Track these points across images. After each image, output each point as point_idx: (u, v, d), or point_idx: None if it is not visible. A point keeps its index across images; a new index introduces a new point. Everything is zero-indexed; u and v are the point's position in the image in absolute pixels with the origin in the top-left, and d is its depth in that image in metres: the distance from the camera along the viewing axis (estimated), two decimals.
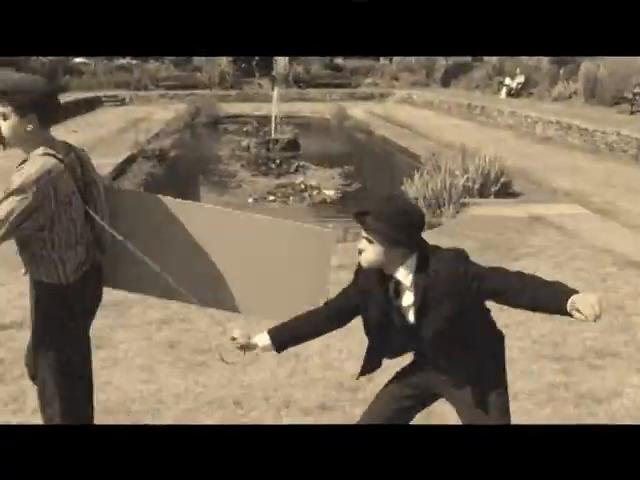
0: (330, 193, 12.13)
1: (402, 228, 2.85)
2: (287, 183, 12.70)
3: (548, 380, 4.86)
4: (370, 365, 3.34)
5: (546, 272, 7.07)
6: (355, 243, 8.35)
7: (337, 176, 13.68)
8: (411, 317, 3.00)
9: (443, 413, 4.38)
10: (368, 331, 3.24)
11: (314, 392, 4.68)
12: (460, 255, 2.96)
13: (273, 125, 17.69)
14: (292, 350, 5.24)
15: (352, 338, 5.50)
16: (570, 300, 2.82)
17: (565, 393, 4.67)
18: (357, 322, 5.84)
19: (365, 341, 5.54)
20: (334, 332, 5.60)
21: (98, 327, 5.66)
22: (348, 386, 4.74)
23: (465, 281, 2.88)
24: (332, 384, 4.78)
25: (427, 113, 24.20)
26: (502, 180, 10.75)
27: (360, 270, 3.13)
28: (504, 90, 26.70)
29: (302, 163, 14.68)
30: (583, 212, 9.81)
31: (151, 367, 5.05)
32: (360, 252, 2.98)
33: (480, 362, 3.11)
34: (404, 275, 2.94)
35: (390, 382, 3.38)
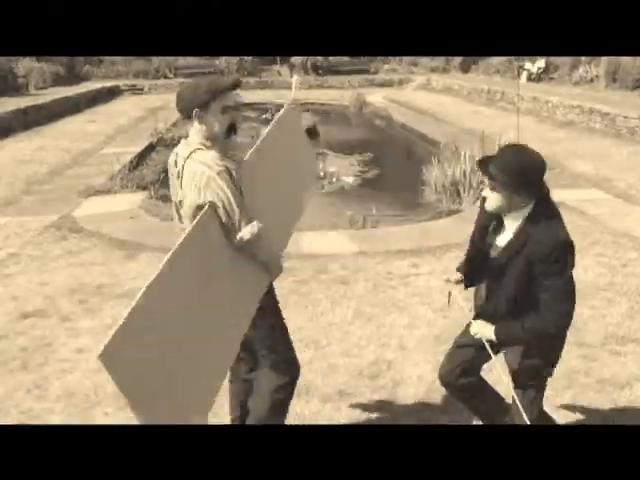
0: (349, 180, 12.11)
1: (522, 177, 3.06)
2: None
3: (569, 366, 4.83)
4: (468, 279, 3.52)
5: None
6: (373, 230, 8.34)
7: (356, 163, 13.64)
8: (495, 253, 3.26)
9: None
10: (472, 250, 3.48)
11: (333, 379, 4.69)
12: (562, 243, 3.10)
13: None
14: (312, 337, 5.29)
15: (371, 326, 5.52)
16: None
17: (586, 379, 4.65)
18: (376, 310, 5.86)
19: (383, 329, 5.56)
20: (353, 320, 5.64)
21: (118, 315, 5.71)
22: (367, 373, 4.74)
23: (540, 265, 3.08)
24: (351, 371, 4.78)
25: (446, 99, 24.05)
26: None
27: (481, 214, 3.38)
28: (524, 75, 26.46)
29: (321, 150, 14.64)
30: (604, 197, 9.72)
31: None
32: (484, 199, 3.25)
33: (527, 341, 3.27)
34: (511, 220, 3.18)
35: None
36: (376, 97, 24.59)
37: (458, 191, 9.88)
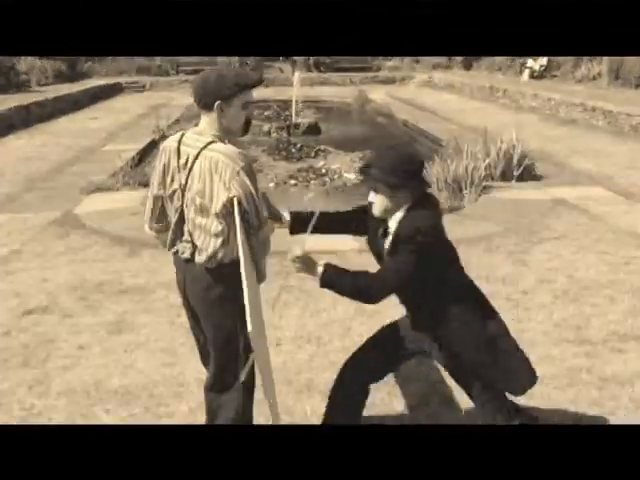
0: (351, 177, 12.09)
1: (400, 174, 3.10)
2: (308, 167, 12.64)
3: (570, 364, 4.83)
4: None
5: (569, 255, 7.03)
6: None
7: (358, 160, 13.61)
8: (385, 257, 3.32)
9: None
10: None
11: (335, 375, 4.67)
12: (415, 230, 3.12)
13: (294, 109, 17.64)
14: (313, 333, 5.28)
15: (373, 322, 5.51)
16: None
17: (588, 377, 4.65)
18: (378, 306, 5.85)
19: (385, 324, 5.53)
20: (355, 316, 5.63)
21: (120, 312, 5.74)
22: None
23: (395, 243, 3.18)
24: None
25: (449, 96, 24.03)
26: (525, 163, 10.66)
27: (369, 221, 3.41)
28: (527, 72, 26.42)
29: (323, 147, 14.60)
30: (607, 195, 9.71)
31: (173, 350, 5.08)
32: (370, 204, 3.25)
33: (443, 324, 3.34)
34: (393, 222, 3.22)
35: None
36: (378, 94, 24.58)
37: (460, 188, 9.85)
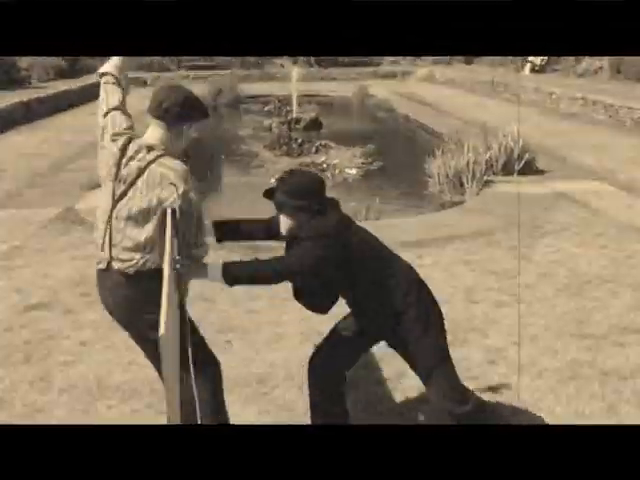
0: (352, 172, 12.09)
1: (302, 197, 3.29)
2: (309, 162, 12.65)
3: (572, 357, 4.83)
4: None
5: (570, 249, 7.02)
6: (376, 222, 8.32)
7: (359, 155, 13.61)
8: None
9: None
10: None
11: None
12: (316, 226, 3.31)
13: (294, 104, 17.64)
14: (315, 329, 5.28)
15: None
16: None
17: (589, 370, 4.64)
18: None
19: None
20: None
21: None
22: (372, 364, 4.73)
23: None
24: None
25: (449, 91, 24.00)
26: (526, 157, 10.65)
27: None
28: (528, 66, 26.37)
29: (324, 142, 14.61)
30: (608, 189, 9.70)
31: None
32: (281, 225, 3.42)
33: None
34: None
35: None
36: (379, 89, 24.55)
37: (461, 182, 9.85)
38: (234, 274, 3.30)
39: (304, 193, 3.31)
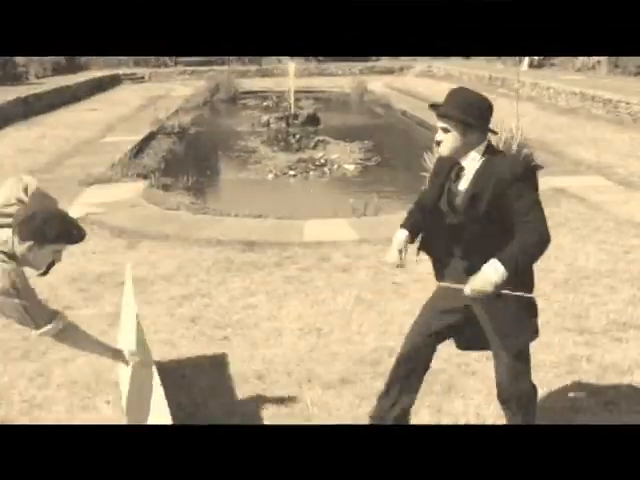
0: (350, 167, 12.08)
1: (473, 113, 3.16)
2: (307, 158, 12.64)
3: (570, 352, 4.83)
4: (424, 247, 3.54)
5: (569, 244, 7.02)
6: (374, 217, 8.30)
7: (357, 150, 13.61)
8: (459, 201, 3.26)
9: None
10: (424, 216, 3.47)
11: (335, 366, 4.69)
12: (523, 171, 3.17)
13: (292, 100, 17.62)
14: (313, 324, 5.29)
15: (373, 313, 5.52)
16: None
17: (587, 365, 4.65)
18: (377, 297, 5.86)
19: (385, 316, 5.56)
20: (355, 307, 5.63)
21: (120, 303, 5.72)
22: (369, 360, 4.74)
23: (507, 193, 3.10)
24: (353, 358, 4.78)
25: (447, 86, 23.87)
26: (524, 152, 10.64)
27: (434, 166, 3.48)
28: (526, 61, 26.35)
29: (322, 138, 14.60)
30: (606, 184, 9.70)
31: (173, 342, 5.08)
32: (438, 144, 3.27)
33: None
34: (470, 161, 3.23)
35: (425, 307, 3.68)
36: (377, 84, 24.54)
37: None
38: (514, 263, 3.08)
39: (476, 110, 3.20)
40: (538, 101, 18.88)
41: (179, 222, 8.10)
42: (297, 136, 14.50)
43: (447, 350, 4.86)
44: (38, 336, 3.17)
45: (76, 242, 3.15)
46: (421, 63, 30.14)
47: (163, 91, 23.34)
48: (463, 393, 4.32)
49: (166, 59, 30.86)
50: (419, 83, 24.88)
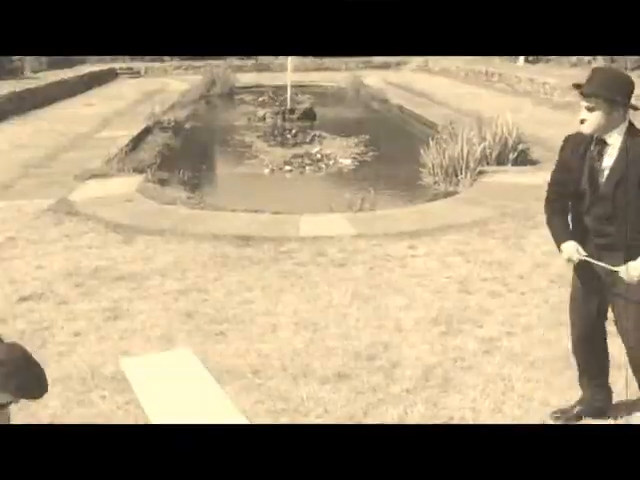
0: (346, 162, 12.08)
1: (618, 90, 3.25)
2: (303, 153, 12.64)
3: (566, 347, 4.81)
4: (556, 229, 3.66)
5: None
6: (371, 212, 8.26)
7: (353, 145, 13.61)
8: (603, 179, 3.34)
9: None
10: (556, 194, 3.64)
11: (331, 361, 4.69)
12: None
13: (289, 95, 17.59)
14: (309, 319, 5.29)
15: (369, 307, 5.52)
16: None
17: None
18: (373, 292, 5.86)
19: (380, 311, 5.56)
20: (351, 302, 5.63)
21: (115, 298, 5.73)
22: (365, 355, 4.74)
23: None
24: (349, 353, 4.78)
25: (444, 81, 23.97)
26: (520, 148, 10.64)
27: (564, 147, 3.58)
28: (522, 56, 26.34)
29: (318, 133, 14.59)
30: None
31: (169, 337, 5.08)
32: (582, 121, 3.36)
33: None
34: (615, 137, 3.32)
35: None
36: (373, 79, 24.51)
37: (455, 172, 9.85)
38: None
39: (622, 87, 3.29)
40: (534, 96, 18.88)
41: (175, 217, 8.09)
42: (293, 131, 14.49)
43: (442, 344, 4.88)
44: None
45: (33, 398, 2.86)
46: (417, 58, 30.09)
47: (159, 85, 23.29)
48: (459, 388, 4.32)
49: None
50: (415, 78, 24.86)
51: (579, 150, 3.44)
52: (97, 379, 4.50)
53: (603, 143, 3.34)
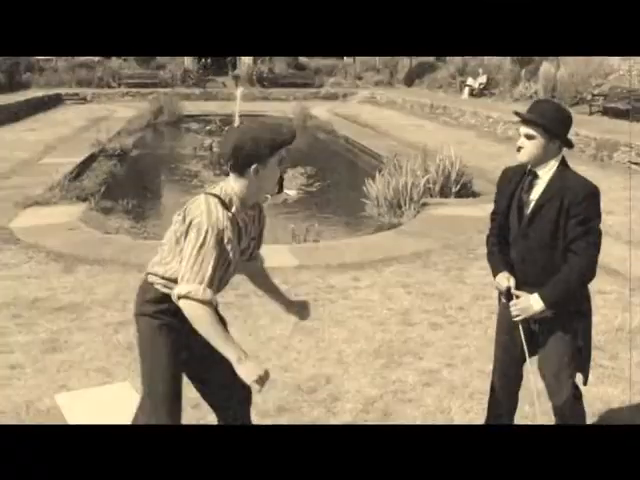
0: (292, 193, 12.12)
1: (558, 122, 3.29)
2: None
3: None
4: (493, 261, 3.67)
5: None
6: (314, 244, 8.26)
7: (299, 176, 13.67)
8: (528, 210, 3.38)
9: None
10: (495, 225, 3.65)
11: (272, 394, 4.67)
12: (593, 193, 3.28)
13: (236, 124, 17.60)
14: (251, 352, 5.24)
15: (311, 340, 5.53)
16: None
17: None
18: (315, 324, 5.86)
19: (323, 343, 5.56)
20: (293, 334, 5.62)
21: (55, 330, 5.63)
22: (306, 388, 4.74)
23: (573, 209, 3.23)
24: (290, 386, 4.77)
25: (390, 113, 24.30)
26: (462, 180, 10.84)
27: (501, 179, 3.61)
28: (466, 90, 26.92)
29: None
30: None
31: (108, 370, 5.01)
32: (519, 149, 3.39)
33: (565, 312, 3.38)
34: (545, 171, 3.35)
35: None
36: (320, 110, 24.72)
37: (399, 204, 9.96)
38: (554, 299, 3.32)
39: (562, 119, 3.33)
40: (478, 129, 19.27)
41: (118, 246, 8.00)
42: None
43: (383, 376, 4.91)
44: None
45: (292, 140, 3.05)
46: (364, 90, 30.52)
47: (105, 112, 23.11)
48: (399, 421, 4.34)
49: (109, 80, 30.63)
50: (362, 109, 25.15)
51: (512, 182, 3.50)
52: (32, 413, 4.40)
53: (535, 175, 3.39)
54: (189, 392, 3.41)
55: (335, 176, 14.41)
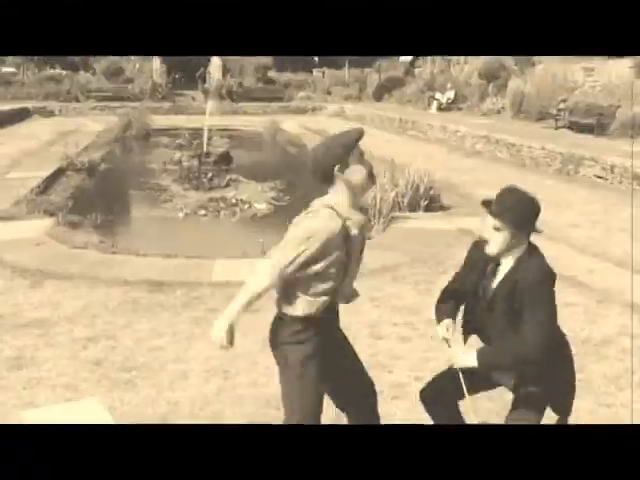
0: (261, 207, 12.12)
1: (525, 215, 3.28)
2: (219, 197, 12.61)
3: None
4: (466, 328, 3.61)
5: None
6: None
7: (269, 190, 13.67)
8: (488, 295, 3.36)
9: None
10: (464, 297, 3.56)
11: (241, 409, 4.66)
12: (543, 279, 3.26)
13: (205, 138, 17.59)
14: (220, 367, 5.25)
15: None
16: None
17: (489, 404, 4.74)
18: None
19: None
20: (262, 350, 5.61)
21: (20, 346, 5.57)
22: (275, 403, 4.73)
23: (524, 295, 3.22)
24: (259, 401, 4.77)
25: (359, 126, 24.39)
26: (431, 194, 10.92)
27: (471, 253, 3.53)
28: (435, 104, 27.17)
29: (234, 177, 14.62)
30: None
31: (76, 386, 4.96)
32: (476, 243, 3.43)
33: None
34: (507, 260, 3.32)
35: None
36: (290, 124, 24.78)
37: (369, 218, 10.00)
38: (487, 365, 3.34)
39: (528, 212, 3.29)
40: (446, 143, 19.43)
41: (86, 261, 7.94)
42: (209, 174, 14.45)
43: None
44: None
45: (360, 137, 3.51)
46: (333, 104, 30.66)
47: (74, 126, 22.95)
48: None
49: (77, 93, 30.41)
50: (331, 123, 25.24)
51: (478, 265, 3.46)
52: None
53: (498, 263, 3.37)
54: None
55: (305, 190, 14.42)
